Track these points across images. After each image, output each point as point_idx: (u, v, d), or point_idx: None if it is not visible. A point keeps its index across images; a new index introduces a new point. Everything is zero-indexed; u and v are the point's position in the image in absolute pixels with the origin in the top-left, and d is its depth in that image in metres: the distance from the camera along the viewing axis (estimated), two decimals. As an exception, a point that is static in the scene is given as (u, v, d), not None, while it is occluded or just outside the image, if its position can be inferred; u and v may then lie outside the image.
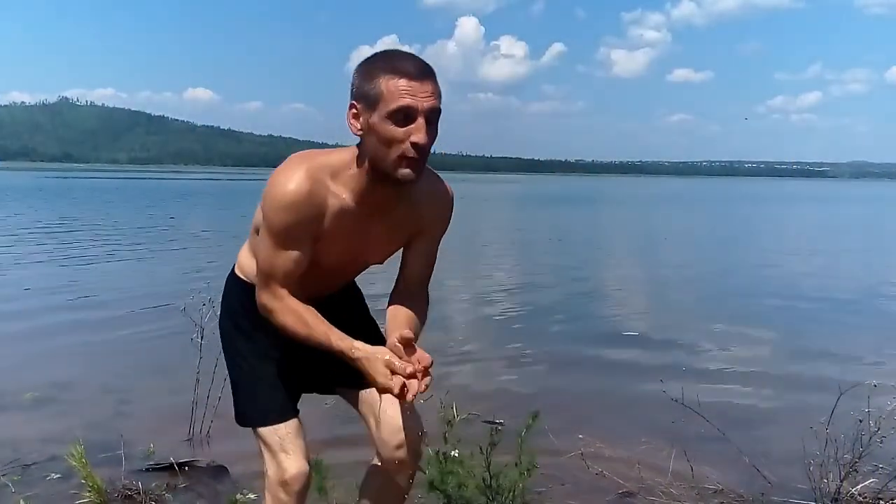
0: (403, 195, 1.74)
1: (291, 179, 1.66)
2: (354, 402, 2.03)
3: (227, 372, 2.06)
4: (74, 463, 2.93)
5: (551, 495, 3.18)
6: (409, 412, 1.93)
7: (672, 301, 9.08)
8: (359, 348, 1.68)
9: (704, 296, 9.40)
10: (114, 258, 11.99)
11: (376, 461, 2.02)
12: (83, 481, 2.97)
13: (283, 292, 1.74)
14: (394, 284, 1.92)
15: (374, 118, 1.59)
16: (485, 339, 6.53)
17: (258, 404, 1.96)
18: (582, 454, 3.47)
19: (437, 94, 1.61)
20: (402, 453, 1.92)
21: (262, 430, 1.93)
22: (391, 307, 1.86)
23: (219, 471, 3.42)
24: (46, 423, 4.08)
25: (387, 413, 1.91)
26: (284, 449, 1.90)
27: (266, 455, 1.93)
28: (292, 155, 1.77)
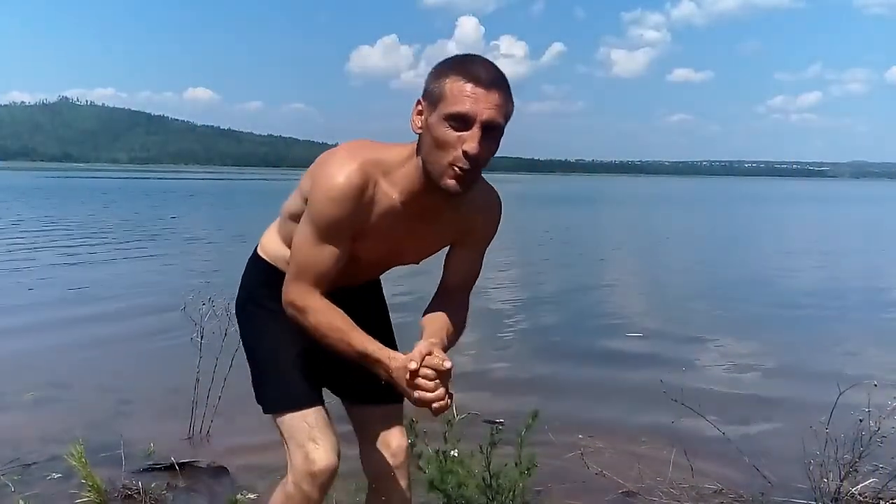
0: (453, 200, 1.66)
1: (342, 171, 1.60)
2: (356, 420, 1.99)
3: (245, 357, 1.96)
4: (74, 462, 2.93)
5: (551, 495, 3.17)
6: (399, 433, 1.96)
7: (673, 302, 9.08)
8: (395, 357, 1.61)
9: (706, 296, 9.39)
10: (115, 258, 11.99)
11: (370, 489, 2.02)
12: (83, 481, 2.97)
13: (315, 291, 1.67)
14: (436, 289, 1.88)
15: (433, 118, 1.54)
16: (485, 338, 6.53)
17: (286, 386, 1.84)
18: (582, 454, 3.47)
19: (501, 108, 1.54)
20: (390, 474, 1.94)
21: (289, 417, 1.81)
22: (428, 313, 1.80)
23: (219, 471, 3.42)
24: (46, 422, 4.07)
25: (377, 433, 1.94)
26: (313, 438, 1.78)
27: (291, 444, 1.80)
28: (346, 144, 1.71)
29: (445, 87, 1.53)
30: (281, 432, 1.85)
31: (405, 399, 1.68)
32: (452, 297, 1.84)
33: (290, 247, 1.80)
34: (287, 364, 1.85)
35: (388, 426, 1.96)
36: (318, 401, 1.85)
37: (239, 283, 2.01)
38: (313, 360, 1.87)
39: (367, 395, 1.91)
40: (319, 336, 1.68)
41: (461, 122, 1.51)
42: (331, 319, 1.66)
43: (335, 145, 1.90)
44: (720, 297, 9.29)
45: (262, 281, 1.92)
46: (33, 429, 3.95)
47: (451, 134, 1.52)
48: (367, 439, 1.97)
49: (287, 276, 1.71)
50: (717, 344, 6.47)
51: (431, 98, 1.55)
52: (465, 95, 1.51)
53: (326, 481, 1.78)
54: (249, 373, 1.95)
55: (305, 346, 1.83)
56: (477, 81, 1.52)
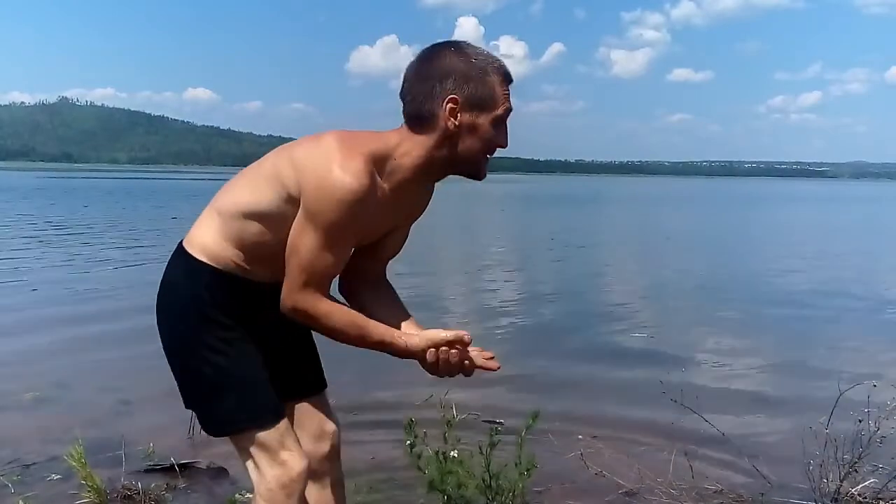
0: (427, 183, 1.74)
1: (350, 172, 1.53)
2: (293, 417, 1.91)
3: (189, 377, 1.81)
4: (74, 463, 2.93)
5: (551, 495, 3.17)
6: (329, 419, 1.97)
7: (673, 303, 9.08)
8: (415, 333, 1.68)
9: (706, 297, 9.39)
10: (115, 258, 11.99)
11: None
12: (83, 482, 2.97)
13: (324, 295, 1.62)
14: (360, 271, 1.81)
15: (482, 119, 1.59)
16: (485, 338, 6.52)
17: (255, 402, 1.74)
18: (582, 454, 3.47)
19: None
20: (326, 461, 1.95)
21: (259, 432, 1.72)
22: (375, 298, 1.78)
23: (218, 472, 3.42)
24: (46, 423, 4.07)
25: (310, 422, 1.93)
26: (286, 446, 1.73)
27: (262, 459, 1.72)
28: (333, 136, 1.61)
29: (496, 90, 1.60)
30: (246, 449, 1.74)
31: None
32: (383, 275, 1.86)
33: (239, 247, 1.72)
34: (248, 376, 1.75)
35: (319, 414, 1.95)
36: (283, 409, 1.79)
37: (161, 286, 1.85)
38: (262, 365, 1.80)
39: (296, 388, 1.92)
40: (337, 336, 1.66)
41: (504, 121, 1.63)
42: (349, 319, 1.65)
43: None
44: (720, 297, 9.28)
45: (204, 286, 1.74)
46: (33, 429, 3.96)
47: (500, 135, 1.63)
48: (299, 429, 1.91)
49: (293, 284, 1.60)
50: (717, 344, 6.46)
51: (480, 101, 1.59)
52: (506, 96, 1.62)
53: (304, 486, 1.77)
54: (189, 390, 1.82)
55: (252, 353, 1.77)
56: (509, 79, 1.63)
